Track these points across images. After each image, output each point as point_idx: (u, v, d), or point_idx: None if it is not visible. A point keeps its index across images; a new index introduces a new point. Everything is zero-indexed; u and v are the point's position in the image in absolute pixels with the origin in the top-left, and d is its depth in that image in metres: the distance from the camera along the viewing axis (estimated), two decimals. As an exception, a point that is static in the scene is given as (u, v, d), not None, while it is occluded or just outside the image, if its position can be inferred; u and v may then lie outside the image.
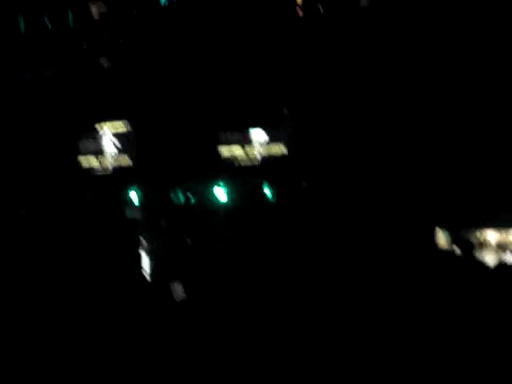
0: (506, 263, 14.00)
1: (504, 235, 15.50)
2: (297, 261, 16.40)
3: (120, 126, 18.78)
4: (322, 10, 16.36)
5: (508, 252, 15.36)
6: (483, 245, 15.42)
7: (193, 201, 17.94)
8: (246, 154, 17.42)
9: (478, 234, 15.53)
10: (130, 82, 18.49)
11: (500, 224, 15.41)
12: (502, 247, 15.43)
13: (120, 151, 18.92)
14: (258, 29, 17.09)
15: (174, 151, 18.08)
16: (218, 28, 17.54)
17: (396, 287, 13.55)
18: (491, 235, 15.54)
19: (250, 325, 13.26)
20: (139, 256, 18.78)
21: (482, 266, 14.36)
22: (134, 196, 18.48)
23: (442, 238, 15.48)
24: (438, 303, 12.47)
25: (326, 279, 15.47)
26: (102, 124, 18.76)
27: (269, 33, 17.00)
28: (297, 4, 16.72)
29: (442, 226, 15.43)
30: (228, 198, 17.49)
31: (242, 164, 17.48)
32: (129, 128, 18.70)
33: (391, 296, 13.31)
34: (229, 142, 17.73)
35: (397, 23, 15.63)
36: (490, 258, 15.15)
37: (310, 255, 16.47)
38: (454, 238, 15.37)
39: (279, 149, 17.03)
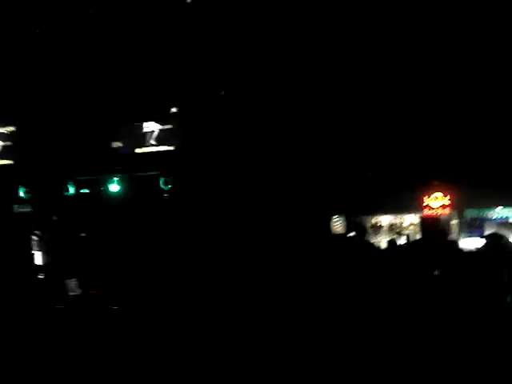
0: (396, 243, 14.66)
1: (395, 220, 16.31)
2: (189, 251, 16.48)
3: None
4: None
5: (398, 234, 16.20)
6: (377, 228, 16.15)
7: (86, 194, 17.65)
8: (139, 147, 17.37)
9: (371, 218, 16.24)
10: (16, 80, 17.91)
11: (391, 210, 16.17)
12: (392, 230, 16.21)
13: (7, 148, 18.32)
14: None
15: (66, 145, 17.69)
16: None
17: (297, 268, 13.88)
18: (384, 219, 16.34)
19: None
20: (30, 250, 18.29)
21: (375, 246, 15.00)
22: (23, 191, 17.91)
23: (338, 224, 16.02)
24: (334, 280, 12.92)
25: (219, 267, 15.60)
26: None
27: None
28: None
29: (338, 214, 15.98)
30: (121, 190, 17.31)
31: (136, 157, 17.33)
32: (19, 123, 18.15)
33: (293, 276, 13.63)
34: (121, 136, 17.57)
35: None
36: (382, 239, 15.87)
37: (202, 246, 16.55)
38: (350, 223, 15.95)
39: (172, 142, 17.07)
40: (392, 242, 14.56)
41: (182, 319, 13.67)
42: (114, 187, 17.51)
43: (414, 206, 16.42)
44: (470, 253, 13.41)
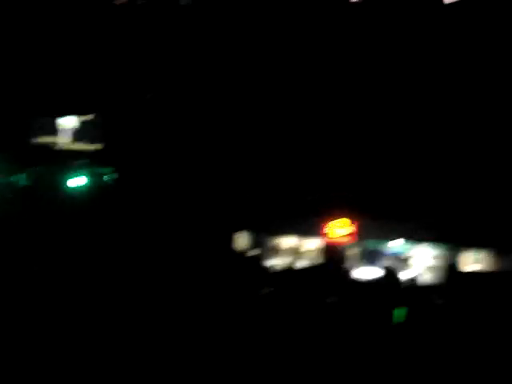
0: (294, 266, 14.97)
1: (297, 242, 16.57)
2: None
3: None
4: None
5: (299, 257, 16.47)
6: (279, 249, 16.38)
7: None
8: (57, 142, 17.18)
9: (272, 239, 16.46)
10: None
11: (295, 232, 16.43)
12: (295, 252, 16.46)
13: None
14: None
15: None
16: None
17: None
18: (287, 241, 16.58)
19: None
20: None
21: (274, 267, 15.26)
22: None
23: (242, 241, 16.18)
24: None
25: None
26: None
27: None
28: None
29: (243, 230, 16.14)
30: (35, 183, 17.06)
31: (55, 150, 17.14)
32: None
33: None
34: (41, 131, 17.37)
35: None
36: (281, 261, 16.12)
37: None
38: (253, 241, 16.13)
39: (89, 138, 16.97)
40: (290, 266, 14.89)
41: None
42: (24, 180, 17.23)
43: (317, 231, 16.73)
44: (363, 283, 13.82)
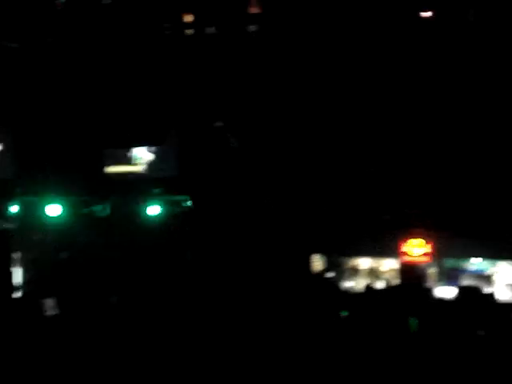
0: (375, 287, 14.82)
1: (374, 263, 16.45)
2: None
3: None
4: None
5: (376, 277, 16.34)
6: (356, 270, 16.29)
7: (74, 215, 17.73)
8: (132, 171, 17.51)
9: (350, 260, 16.38)
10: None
11: (371, 253, 16.32)
12: (372, 273, 16.33)
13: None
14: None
15: (55, 164, 17.81)
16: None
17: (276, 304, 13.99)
18: (363, 262, 16.47)
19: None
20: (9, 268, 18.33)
21: (351, 290, 15.19)
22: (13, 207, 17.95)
23: (317, 263, 16.16)
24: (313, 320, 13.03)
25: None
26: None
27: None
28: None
29: (318, 253, 16.13)
30: (112, 213, 17.41)
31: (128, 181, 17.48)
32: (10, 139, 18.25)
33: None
34: (114, 160, 17.73)
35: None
36: (360, 283, 15.98)
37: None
38: (329, 263, 16.09)
39: (164, 167, 17.23)
40: (369, 287, 14.72)
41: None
42: (102, 211, 17.62)
43: (393, 251, 16.58)
44: (445, 302, 13.59)
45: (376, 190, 15.76)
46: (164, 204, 16.58)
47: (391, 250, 16.76)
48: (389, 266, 17.27)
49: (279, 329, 13.07)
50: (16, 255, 18.86)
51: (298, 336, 12.60)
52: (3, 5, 16.97)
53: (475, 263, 16.39)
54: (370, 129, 16.00)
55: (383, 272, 17.26)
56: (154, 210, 16.59)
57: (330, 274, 15.81)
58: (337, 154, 16.20)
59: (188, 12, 16.64)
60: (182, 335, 12.97)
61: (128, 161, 17.72)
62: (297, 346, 12.18)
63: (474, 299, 12.85)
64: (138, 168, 17.50)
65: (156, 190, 16.79)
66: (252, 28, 16.12)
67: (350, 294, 14.91)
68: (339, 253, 16.50)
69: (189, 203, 16.63)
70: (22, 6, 17.17)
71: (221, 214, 16.59)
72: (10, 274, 18.51)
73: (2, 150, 18.23)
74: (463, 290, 12.99)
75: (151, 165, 17.49)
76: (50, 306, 17.32)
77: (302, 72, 16.21)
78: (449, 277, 16.46)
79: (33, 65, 17.70)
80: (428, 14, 15.72)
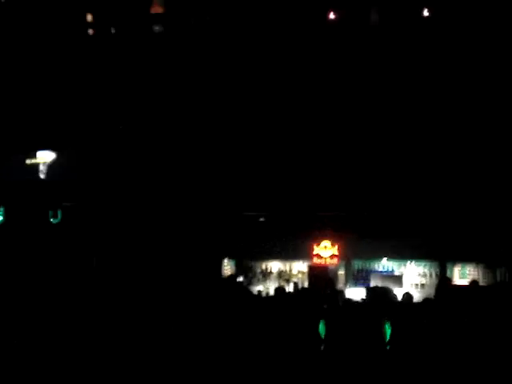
0: (284, 290, 14.71)
1: (284, 266, 16.41)
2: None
3: None
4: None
5: (286, 281, 16.29)
6: (266, 274, 16.21)
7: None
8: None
9: (260, 264, 16.29)
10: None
11: (280, 256, 16.28)
12: (282, 276, 16.29)
13: None
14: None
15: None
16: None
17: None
18: (273, 265, 16.41)
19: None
20: None
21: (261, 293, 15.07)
22: None
23: (227, 267, 15.99)
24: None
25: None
26: None
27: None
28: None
29: (228, 257, 15.96)
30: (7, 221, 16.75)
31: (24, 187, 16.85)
32: None
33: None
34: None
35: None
36: (271, 286, 15.90)
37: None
38: (239, 267, 15.95)
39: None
40: (280, 289, 14.61)
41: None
42: (-1, 217, 16.93)
43: (302, 253, 16.60)
44: (355, 303, 13.61)
45: (285, 193, 15.72)
46: (64, 211, 16.11)
47: (300, 253, 16.79)
48: (298, 268, 17.30)
49: (188, 334, 12.84)
50: None
51: (209, 341, 12.41)
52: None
53: (383, 264, 16.61)
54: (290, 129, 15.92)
55: (293, 275, 17.26)
56: (54, 216, 16.10)
57: (240, 278, 15.65)
58: (245, 152, 16.03)
59: (88, 12, 16.11)
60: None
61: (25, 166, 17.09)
62: (207, 351, 12.01)
63: (383, 300, 12.93)
64: (40, 174, 16.89)
65: (56, 196, 16.28)
66: (156, 29, 15.77)
67: (260, 298, 14.76)
68: (249, 257, 16.39)
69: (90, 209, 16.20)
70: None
71: (127, 219, 16.19)
72: None
73: None
74: (372, 291, 13.03)
75: (52, 169, 16.91)
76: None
77: (207, 73, 16.00)
78: (357, 278, 16.63)
79: None
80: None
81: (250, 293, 14.43)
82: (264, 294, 15.40)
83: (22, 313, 13.82)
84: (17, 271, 16.75)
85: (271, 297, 14.75)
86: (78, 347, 11.93)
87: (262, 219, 16.21)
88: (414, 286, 16.08)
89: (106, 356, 11.65)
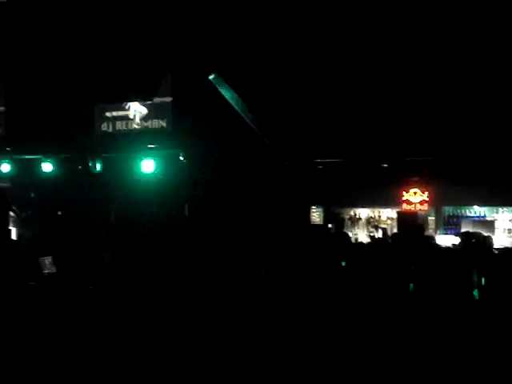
0: (375, 237, 14.78)
1: (372, 213, 16.37)
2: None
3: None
4: None
5: (374, 227, 16.27)
6: (354, 220, 16.22)
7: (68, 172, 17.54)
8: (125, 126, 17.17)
9: (349, 211, 16.30)
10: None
11: (369, 203, 16.23)
12: (370, 223, 16.27)
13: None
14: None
15: (47, 121, 17.50)
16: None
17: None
18: (362, 212, 16.39)
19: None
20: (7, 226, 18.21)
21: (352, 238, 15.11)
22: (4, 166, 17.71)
23: (316, 215, 16.07)
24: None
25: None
26: None
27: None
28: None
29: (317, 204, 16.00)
30: (104, 170, 17.19)
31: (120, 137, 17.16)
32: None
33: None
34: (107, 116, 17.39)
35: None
36: (360, 233, 15.93)
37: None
38: (328, 215, 16.00)
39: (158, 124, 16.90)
40: (370, 236, 14.70)
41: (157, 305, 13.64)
42: (95, 167, 17.38)
43: (392, 200, 16.50)
44: (445, 249, 13.51)
45: (373, 140, 15.55)
46: (159, 159, 16.34)
47: (389, 199, 16.69)
48: (387, 215, 17.23)
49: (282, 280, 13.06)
50: (10, 214, 18.74)
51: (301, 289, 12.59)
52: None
53: (475, 209, 16.36)
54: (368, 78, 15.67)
55: (382, 221, 17.23)
56: (148, 165, 16.37)
57: (330, 225, 15.71)
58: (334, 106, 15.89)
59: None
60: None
61: (121, 116, 17.39)
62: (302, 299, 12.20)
63: (474, 246, 12.77)
64: (133, 123, 17.18)
65: (150, 145, 16.54)
66: None
67: (351, 244, 14.82)
68: (337, 204, 16.40)
69: (182, 157, 16.37)
70: None
71: (219, 167, 16.38)
72: (8, 232, 18.40)
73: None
74: (463, 237, 12.87)
75: (145, 119, 17.17)
76: (46, 264, 17.26)
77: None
78: (448, 224, 16.45)
79: (26, 20, 17.21)
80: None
81: (349, 239, 14.49)
82: (353, 241, 15.46)
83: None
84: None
85: (361, 243, 14.85)
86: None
87: (350, 166, 16.12)
88: (506, 232, 15.81)
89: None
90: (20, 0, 15.38)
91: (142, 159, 16.50)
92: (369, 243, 14.33)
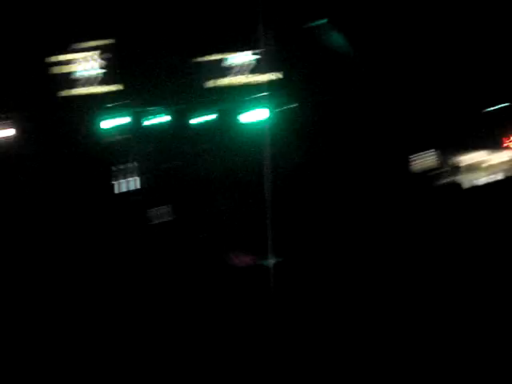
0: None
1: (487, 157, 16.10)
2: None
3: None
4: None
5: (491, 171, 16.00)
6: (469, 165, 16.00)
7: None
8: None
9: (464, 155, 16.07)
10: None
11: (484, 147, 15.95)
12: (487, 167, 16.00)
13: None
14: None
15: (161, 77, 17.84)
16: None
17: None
18: (476, 156, 16.15)
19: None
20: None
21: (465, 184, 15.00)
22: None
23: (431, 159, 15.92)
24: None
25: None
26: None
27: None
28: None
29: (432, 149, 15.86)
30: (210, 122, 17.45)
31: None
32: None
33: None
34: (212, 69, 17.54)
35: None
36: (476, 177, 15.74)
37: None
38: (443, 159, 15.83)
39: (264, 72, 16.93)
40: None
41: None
42: (201, 118, 17.64)
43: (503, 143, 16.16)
44: None
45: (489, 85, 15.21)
46: (272, 108, 16.44)
47: (500, 143, 16.36)
48: (501, 158, 16.87)
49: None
50: (133, 165, 19.31)
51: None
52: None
53: None
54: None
55: (494, 165, 16.88)
56: (260, 114, 16.53)
57: (445, 169, 15.56)
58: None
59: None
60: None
61: (225, 69, 17.46)
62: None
63: None
64: (239, 76, 17.22)
65: (261, 95, 16.63)
66: None
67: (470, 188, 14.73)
68: (453, 148, 16.15)
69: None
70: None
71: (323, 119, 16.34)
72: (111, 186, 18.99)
73: (109, 64, 18.38)
74: None
75: (251, 71, 17.18)
76: (163, 213, 17.85)
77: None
78: None
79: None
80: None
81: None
82: (468, 186, 15.29)
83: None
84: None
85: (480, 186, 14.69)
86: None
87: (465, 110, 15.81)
88: None
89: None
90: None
91: (251, 109, 16.69)
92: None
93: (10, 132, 18.41)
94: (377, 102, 15.91)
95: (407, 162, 15.82)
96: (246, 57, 17.27)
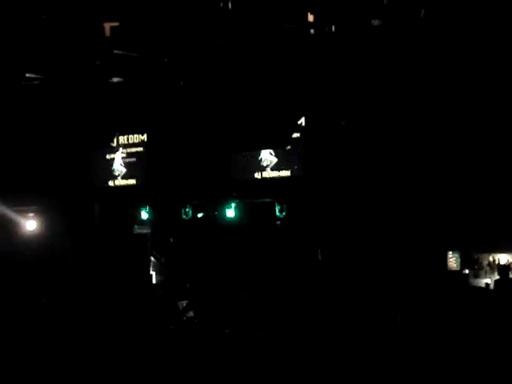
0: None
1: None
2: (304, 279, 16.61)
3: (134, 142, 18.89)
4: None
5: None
6: (492, 266, 15.66)
7: (203, 218, 18.09)
8: (257, 175, 17.43)
9: (488, 256, 15.76)
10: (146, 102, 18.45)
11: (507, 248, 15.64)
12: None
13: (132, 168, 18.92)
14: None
15: (186, 170, 18.10)
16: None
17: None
18: (502, 258, 15.81)
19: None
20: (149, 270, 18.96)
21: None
22: (144, 213, 18.50)
23: (453, 261, 15.64)
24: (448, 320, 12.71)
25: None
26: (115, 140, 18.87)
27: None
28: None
29: (453, 249, 15.59)
30: (237, 216, 17.52)
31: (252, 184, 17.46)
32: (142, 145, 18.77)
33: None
34: (239, 164, 17.71)
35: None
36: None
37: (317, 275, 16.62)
38: (464, 260, 15.55)
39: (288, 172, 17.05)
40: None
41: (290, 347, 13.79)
42: (230, 213, 17.72)
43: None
44: None
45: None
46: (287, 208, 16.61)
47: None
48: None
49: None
50: (153, 258, 19.53)
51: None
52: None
53: None
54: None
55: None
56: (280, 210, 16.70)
57: (466, 271, 15.28)
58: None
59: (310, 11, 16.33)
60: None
61: (254, 165, 17.61)
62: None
63: None
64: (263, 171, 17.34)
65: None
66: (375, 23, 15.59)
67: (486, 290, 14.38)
68: (475, 248, 15.85)
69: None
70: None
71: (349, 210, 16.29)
72: (150, 277, 19.15)
73: (137, 156, 18.75)
74: None
75: (274, 167, 17.31)
76: (184, 308, 17.82)
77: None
78: None
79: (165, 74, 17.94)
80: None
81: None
82: (492, 287, 14.94)
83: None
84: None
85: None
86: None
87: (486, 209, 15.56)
88: None
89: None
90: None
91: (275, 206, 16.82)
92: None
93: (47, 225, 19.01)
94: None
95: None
96: (269, 155, 17.42)
